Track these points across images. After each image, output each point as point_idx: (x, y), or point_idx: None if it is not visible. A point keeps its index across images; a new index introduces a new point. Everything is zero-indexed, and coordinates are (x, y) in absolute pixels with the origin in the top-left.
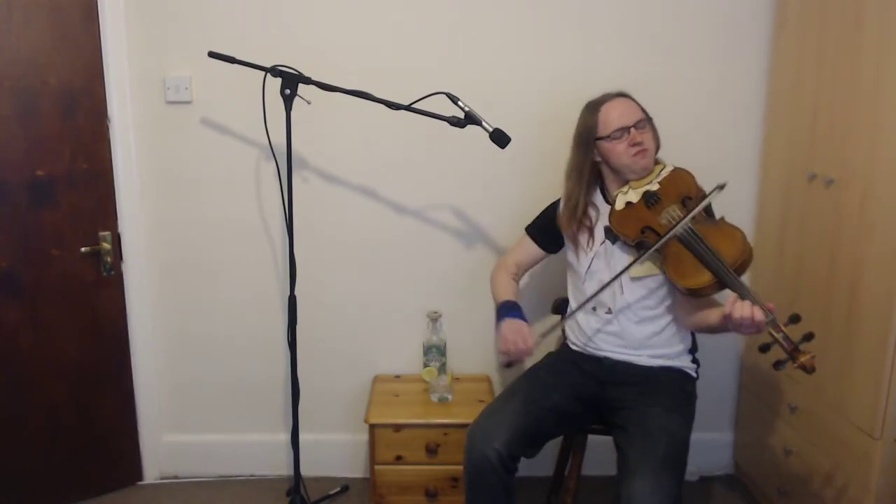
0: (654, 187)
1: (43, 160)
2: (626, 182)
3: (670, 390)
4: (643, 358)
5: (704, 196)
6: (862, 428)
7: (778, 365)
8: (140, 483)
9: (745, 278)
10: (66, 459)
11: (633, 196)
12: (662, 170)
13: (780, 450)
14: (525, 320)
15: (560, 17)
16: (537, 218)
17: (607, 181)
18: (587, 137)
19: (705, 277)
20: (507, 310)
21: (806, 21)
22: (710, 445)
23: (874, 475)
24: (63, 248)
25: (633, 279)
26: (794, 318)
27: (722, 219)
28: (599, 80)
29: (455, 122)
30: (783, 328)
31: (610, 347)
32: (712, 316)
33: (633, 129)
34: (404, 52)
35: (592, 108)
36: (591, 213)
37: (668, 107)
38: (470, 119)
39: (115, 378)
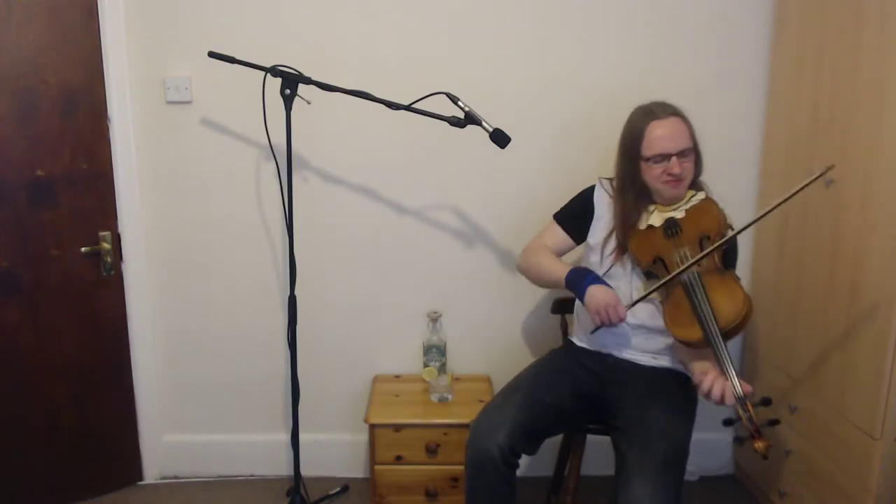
0: (679, 215)
1: (43, 160)
2: (654, 202)
3: (671, 393)
4: (646, 358)
5: (723, 236)
6: (862, 428)
7: (737, 440)
8: (140, 483)
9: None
10: (66, 459)
11: (657, 219)
12: (693, 196)
13: (780, 450)
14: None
15: (560, 17)
16: (567, 205)
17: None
18: (633, 149)
19: (696, 334)
20: (585, 274)
21: (806, 21)
22: (710, 445)
23: (874, 475)
24: (63, 248)
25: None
26: (765, 401)
27: (732, 272)
28: (599, 79)
29: (455, 122)
30: (751, 409)
31: (615, 346)
32: (696, 367)
33: (674, 158)
34: (404, 52)
35: (643, 117)
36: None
37: None
38: (470, 119)
39: (115, 378)
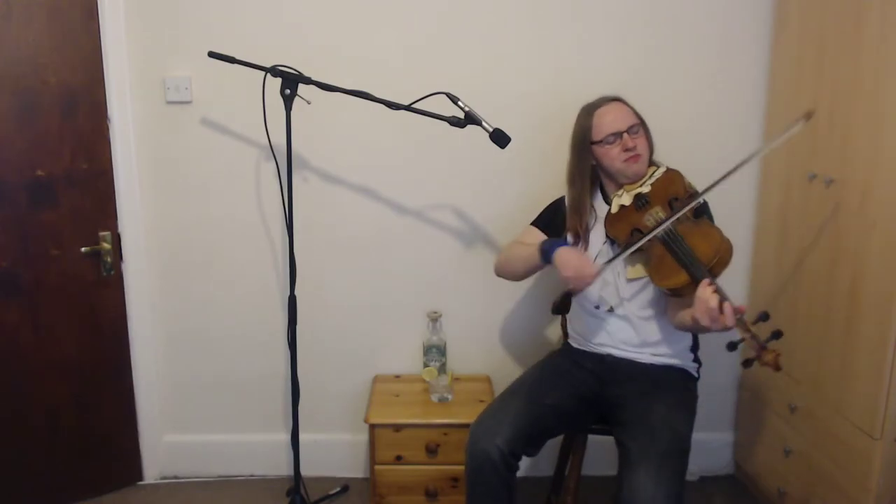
0: (646, 189)
1: (43, 160)
2: (622, 185)
3: (672, 388)
4: (645, 355)
5: (694, 195)
6: (862, 428)
7: (746, 363)
8: (140, 483)
9: (742, 281)
10: (66, 459)
11: (627, 199)
12: (655, 171)
13: (780, 450)
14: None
15: (560, 17)
16: (541, 213)
17: (605, 184)
18: (583, 141)
19: (682, 278)
20: (553, 242)
21: (806, 21)
22: (710, 445)
23: (874, 475)
24: (63, 248)
25: (630, 280)
26: (763, 317)
27: (704, 219)
28: (599, 79)
29: (455, 122)
30: (750, 327)
31: (612, 345)
32: (690, 312)
33: (625, 135)
34: (404, 52)
35: (587, 113)
36: (592, 215)
37: (668, 107)
38: (470, 119)
39: (114, 378)
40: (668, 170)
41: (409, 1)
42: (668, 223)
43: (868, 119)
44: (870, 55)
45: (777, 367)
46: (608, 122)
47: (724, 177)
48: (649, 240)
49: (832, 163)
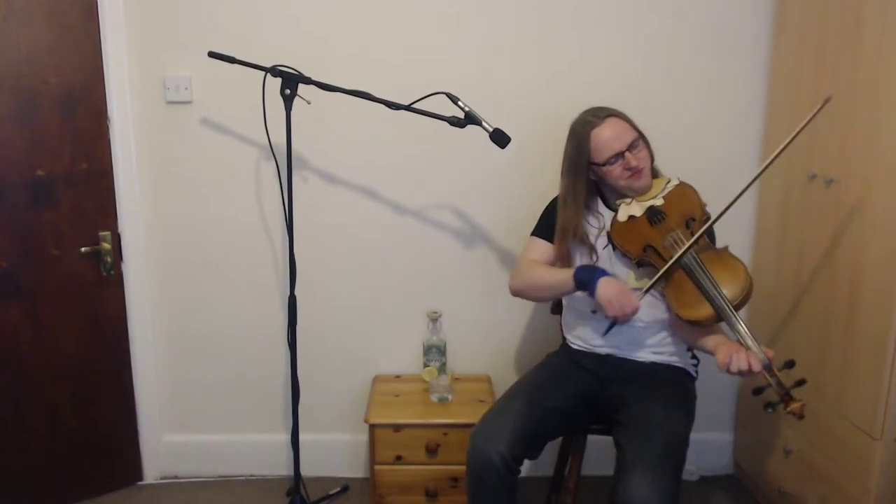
0: (659, 202)
1: (43, 160)
2: (623, 195)
3: (671, 387)
4: (644, 354)
5: (708, 218)
6: (862, 428)
7: (768, 406)
8: (140, 483)
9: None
10: (66, 459)
11: (637, 209)
12: (667, 183)
13: (780, 450)
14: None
15: (560, 17)
16: (540, 221)
17: (605, 191)
18: (578, 162)
19: (706, 311)
20: (594, 269)
21: (806, 21)
22: (710, 445)
23: (874, 475)
24: (63, 248)
25: (636, 289)
26: (789, 364)
27: (726, 248)
28: (599, 79)
29: (455, 122)
30: (777, 373)
31: (611, 345)
32: (708, 343)
33: (627, 154)
34: (404, 52)
35: (583, 133)
36: (592, 221)
37: (668, 107)
38: (470, 119)
39: (115, 378)
40: (681, 184)
41: (409, 1)
42: (690, 247)
43: (868, 119)
44: (870, 55)
45: (801, 417)
46: (608, 142)
47: (747, 187)
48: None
49: (832, 163)
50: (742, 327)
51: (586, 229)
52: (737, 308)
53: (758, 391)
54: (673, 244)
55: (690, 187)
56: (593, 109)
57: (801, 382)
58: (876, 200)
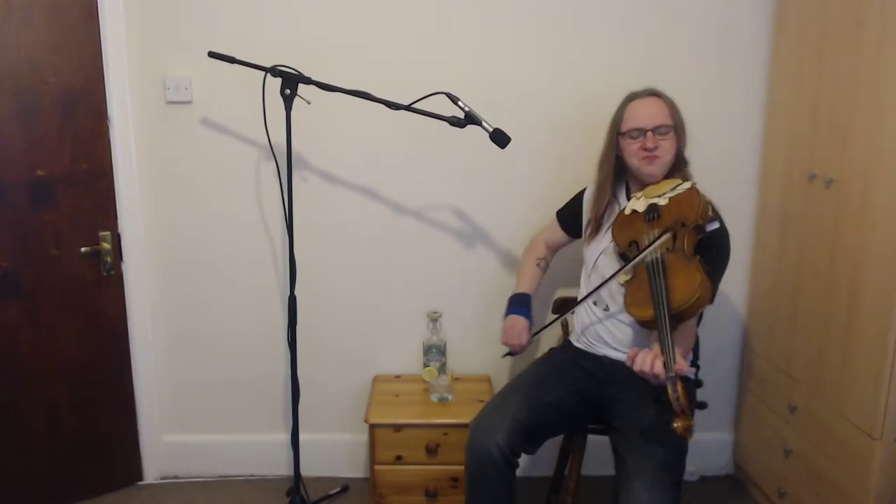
0: (663, 202)
1: (43, 160)
2: (645, 186)
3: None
4: None
5: (697, 227)
6: (862, 428)
7: (664, 416)
8: (140, 483)
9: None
10: (66, 459)
11: (641, 205)
12: (679, 185)
13: (780, 450)
14: (528, 316)
15: (559, 17)
16: (567, 203)
17: (630, 180)
18: (612, 129)
19: (647, 313)
20: (513, 305)
21: (806, 21)
22: (710, 445)
23: (874, 475)
24: (63, 248)
25: (620, 285)
26: (701, 405)
27: (697, 258)
28: (599, 80)
29: (455, 122)
30: (681, 389)
31: (610, 345)
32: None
33: (649, 133)
34: (404, 52)
35: (626, 100)
36: (613, 207)
37: None
38: (470, 119)
39: (115, 378)
40: (692, 189)
41: (409, 1)
42: (648, 250)
43: (868, 119)
44: (870, 55)
45: (684, 438)
46: (637, 116)
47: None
48: (639, 261)
49: (832, 163)
50: (667, 338)
51: (611, 204)
52: (679, 318)
53: (655, 399)
54: (648, 243)
55: (698, 195)
56: (647, 88)
57: (701, 405)
58: (876, 200)
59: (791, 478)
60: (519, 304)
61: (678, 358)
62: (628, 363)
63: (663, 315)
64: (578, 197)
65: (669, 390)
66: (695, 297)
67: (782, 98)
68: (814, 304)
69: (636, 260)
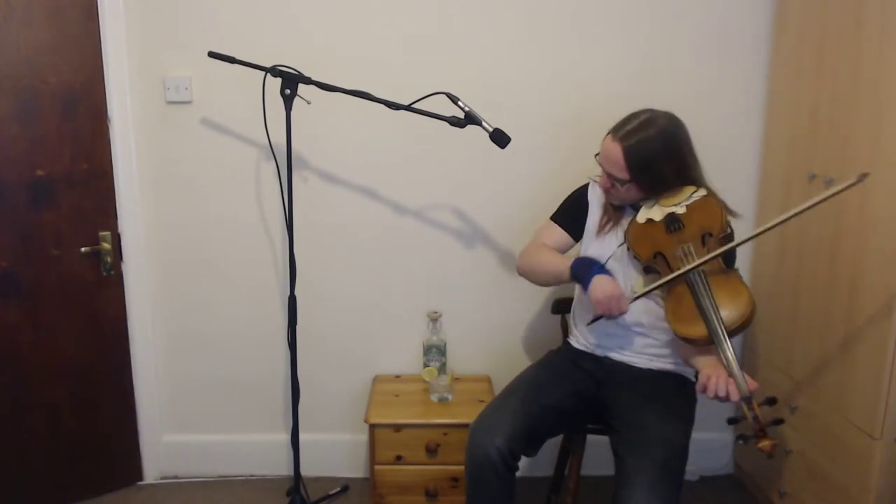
0: (681, 210)
1: (43, 160)
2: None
3: (669, 395)
4: (643, 360)
5: (726, 237)
6: (862, 428)
7: (740, 438)
8: (140, 483)
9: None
10: (66, 459)
11: (657, 213)
12: (694, 192)
13: (780, 450)
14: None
15: (559, 18)
16: (562, 205)
17: None
18: None
19: (700, 331)
20: (591, 263)
21: (806, 21)
22: (710, 445)
23: (874, 475)
24: (63, 248)
25: (634, 291)
26: (770, 401)
27: (736, 271)
28: (599, 80)
29: (455, 122)
30: (756, 407)
31: (611, 346)
32: (695, 360)
33: (605, 174)
34: (404, 52)
35: (611, 129)
36: (621, 211)
37: (668, 107)
38: (470, 119)
39: (115, 378)
40: (708, 196)
41: (409, 1)
42: (698, 265)
43: (868, 119)
44: (870, 55)
45: (770, 456)
46: (603, 150)
47: (767, 229)
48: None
49: (832, 163)
50: (731, 354)
51: (621, 207)
52: (732, 334)
53: (732, 421)
54: (683, 256)
55: (717, 201)
56: (632, 117)
57: (778, 421)
58: (876, 200)
59: (791, 478)
60: (594, 262)
61: (747, 377)
62: (699, 390)
63: (720, 332)
64: (581, 194)
65: (745, 410)
66: (747, 313)
67: (782, 98)
68: (814, 304)
69: (677, 275)
